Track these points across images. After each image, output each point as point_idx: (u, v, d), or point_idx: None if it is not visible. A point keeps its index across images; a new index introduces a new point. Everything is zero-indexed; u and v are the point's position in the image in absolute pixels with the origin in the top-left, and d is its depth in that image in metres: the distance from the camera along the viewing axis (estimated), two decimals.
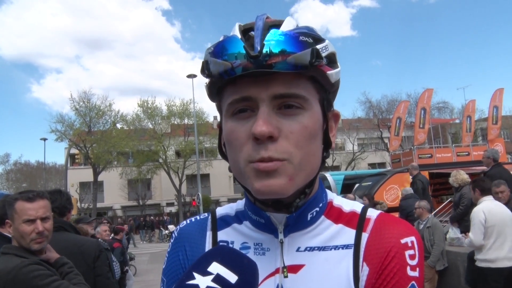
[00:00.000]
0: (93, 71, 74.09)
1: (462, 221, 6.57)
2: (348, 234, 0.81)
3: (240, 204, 0.92)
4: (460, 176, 6.81)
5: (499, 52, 69.54)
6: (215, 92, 0.79)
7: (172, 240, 0.92)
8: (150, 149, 34.60)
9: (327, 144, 0.82)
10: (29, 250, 2.02)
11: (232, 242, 0.85)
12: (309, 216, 0.81)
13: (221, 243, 0.86)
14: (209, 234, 0.88)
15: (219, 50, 0.72)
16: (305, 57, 0.69)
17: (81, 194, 37.60)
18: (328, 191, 0.89)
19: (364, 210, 0.84)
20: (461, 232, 6.46)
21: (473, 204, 6.23)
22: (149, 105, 34.98)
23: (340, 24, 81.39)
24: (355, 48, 73.12)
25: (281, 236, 0.80)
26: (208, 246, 0.86)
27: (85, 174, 37.26)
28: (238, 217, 0.89)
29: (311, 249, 0.80)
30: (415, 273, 0.76)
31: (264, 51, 0.68)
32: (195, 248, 0.87)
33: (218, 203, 40.12)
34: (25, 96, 77.24)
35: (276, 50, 0.68)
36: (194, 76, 28.09)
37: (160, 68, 77.38)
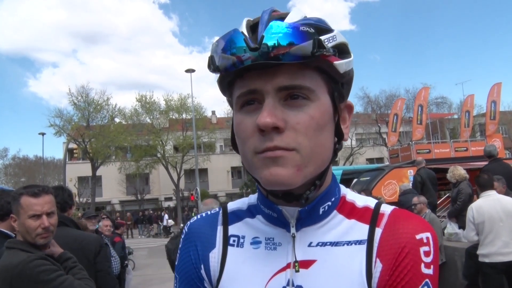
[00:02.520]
0: (89, 66, 73.87)
1: (460, 217, 6.58)
2: (361, 230, 0.79)
3: (252, 198, 0.91)
4: (457, 171, 6.80)
5: (498, 47, 69.72)
6: (226, 86, 0.80)
7: (182, 236, 0.91)
8: (148, 143, 34.49)
9: (339, 136, 0.81)
10: (34, 245, 2.03)
11: (243, 237, 0.85)
12: (321, 210, 0.80)
13: (231, 237, 0.86)
14: (219, 229, 0.87)
15: (224, 45, 0.72)
16: (307, 48, 0.68)
17: (79, 188, 37.53)
18: (341, 186, 0.87)
19: (378, 205, 0.83)
20: (459, 228, 6.49)
21: (470, 199, 6.29)
22: (147, 100, 34.90)
23: (338, 18, 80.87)
24: (354, 42, 72.58)
25: (293, 230, 0.80)
26: (219, 240, 0.86)
27: (84, 168, 37.19)
28: (251, 211, 0.88)
29: (323, 244, 0.79)
30: (430, 271, 0.74)
31: (267, 43, 0.68)
32: (206, 243, 0.86)
33: (216, 197, 40.10)
34: (22, 90, 77.23)
35: (279, 41, 0.68)
36: (192, 70, 27.97)
37: (157, 63, 77.10)
